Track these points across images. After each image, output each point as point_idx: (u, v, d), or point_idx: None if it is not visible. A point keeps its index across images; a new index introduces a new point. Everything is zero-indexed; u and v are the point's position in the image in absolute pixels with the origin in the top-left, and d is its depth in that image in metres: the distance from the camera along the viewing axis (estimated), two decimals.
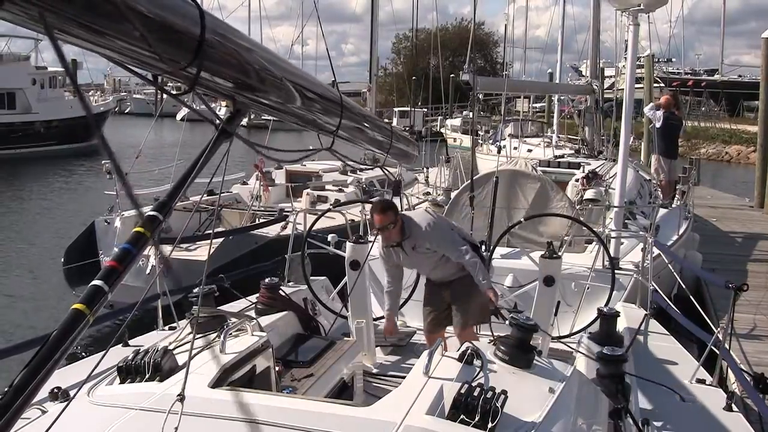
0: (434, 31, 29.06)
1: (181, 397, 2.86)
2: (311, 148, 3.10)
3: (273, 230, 11.26)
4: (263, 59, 2.15)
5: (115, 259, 1.70)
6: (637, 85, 9.38)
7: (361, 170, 17.64)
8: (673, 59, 61.33)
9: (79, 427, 2.97)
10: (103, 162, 11.70)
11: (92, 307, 1.59)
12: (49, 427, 1.37)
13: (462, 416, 2.86)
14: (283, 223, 11.46)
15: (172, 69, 1.72)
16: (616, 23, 21.32)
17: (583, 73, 21.38)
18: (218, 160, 2.21)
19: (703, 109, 52.37)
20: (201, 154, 2.05)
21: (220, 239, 10.93)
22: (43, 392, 3.48)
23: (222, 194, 14.32)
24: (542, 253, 5.79)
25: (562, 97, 21.35)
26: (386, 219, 5.15)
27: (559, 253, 5.87)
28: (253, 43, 2.16)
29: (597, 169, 12.25)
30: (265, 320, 4.91)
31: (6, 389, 1.43)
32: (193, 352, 3.71)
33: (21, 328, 10.70)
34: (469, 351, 3.30)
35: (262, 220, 12.48)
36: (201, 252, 10.86)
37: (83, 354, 7.37)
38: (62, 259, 11.40)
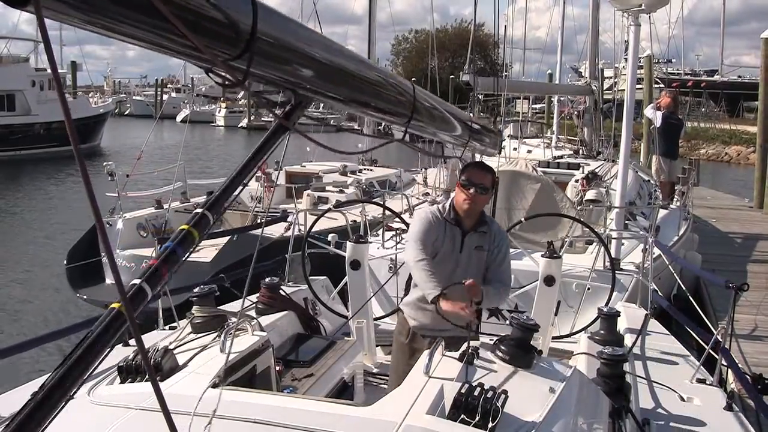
0: (432, 32, 29.05)
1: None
2: (384, 140, 2.97)
3: (277, 231, 11.27)
4: (323, 50, 2.06)
5: (160, 260, 1.62)
6: (636, 86, 9.33)
7: (361, 171, 17.68)
8: (673, 60, 61.42)
9: (80, 427, 2.97)
10: (104, 164, 11.72)
11: (133, 308, 1.52)
12: (47, 426, 1.35)
13: (462, 416, 2.86)
14: (286, 224, 11.47)
15: (220, 62, 1.64)
16: (615, 24, 21.31)
17: (583, 74, 21.34)
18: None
19: (703, 109, 52.42)
20: (257, 150, 1.92)
21: (224, 241, 10.96)
22: None
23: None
24: (542, 253, 5.80)
25: (561, 98, 21.34)
26: (485, 179, 4.05)
27: (560, 254, 5.87)
28: (311, 33, 2.04)
29: (596, 170, 12.25)
30: (265, 320, 4.91)
31: (40, 387, 1.39)
32: (194, 351, 3.72)
33: (25, 329, 10.70)
34: (469, 351, 3.30)
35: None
36: (204, 253, 10.88)
37: None
38: (65, 261, 11.42)
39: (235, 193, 1.85)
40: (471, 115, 3.56)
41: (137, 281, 1.55)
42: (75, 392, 1.45)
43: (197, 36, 1.49)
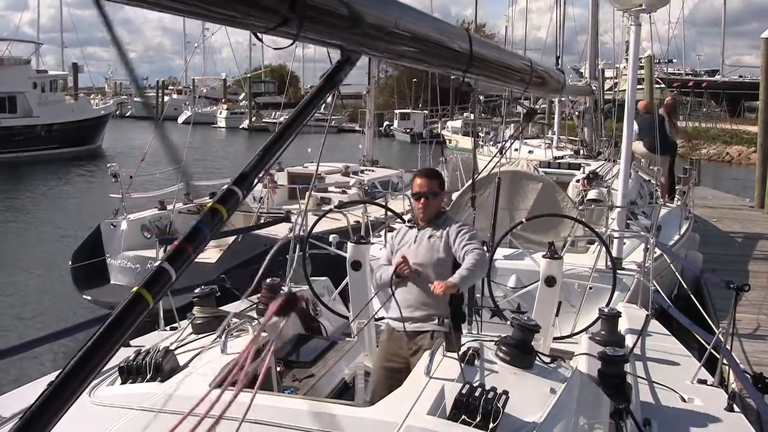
0: None
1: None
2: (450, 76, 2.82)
3: (282, 232, 11.28)
4: (371, 2, 1.99)
5: (186, 240, 1.53)
6: (637, 87, 9.38)
7: (363, 171, 17.68)
8: (674, 60, 61.38)
9: (80, 427, 2.97)
10: (108, 165, 11.73)
11: (154, 291, 1.44)
12: (48, 427, 1.33)
13: (463, 417, 2.86)
14: (290, 225, 11.50)
15: (271, 24, 1.60)
16: (615, 24, 21.37)
17: (584, 75, 21.32)
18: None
19: (704, 109, 52.38)
20: (299, 112, 1.81)
21: (229, 241, 10.98)
22: None
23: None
24: (543, 253, 5.80)
25: (562, 99, 21.35)
26: (429, 186, 4.46)
27: (561, 254, 5.87)
28: None
29: (597, 170, 12.24)
30: None
31: (59, 372, 1.35)
32: (195, 352, 3.72)
33: (30, 329, 10.70)
34: (470, 351, 3.30)
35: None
36: (208, 254, 10.90)
37: None
38: (69, 262, 11.44)
39: (271, 162, 1.75)
40: (530, 58, 3.54)
41: (164, 264, 1.48)
42: (91, 381, 1.40)
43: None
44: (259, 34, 1.71)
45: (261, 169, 1.71)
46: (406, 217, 5.62)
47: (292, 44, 1.72)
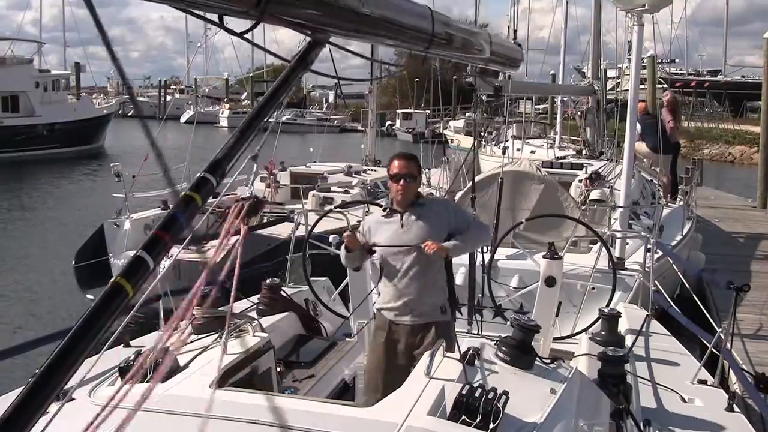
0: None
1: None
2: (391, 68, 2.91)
3: (285, 231, 11.29)
4: None
5: (162, 228, 1.52)
6: (639, 87, 9.40)
7: (365, 171, 17.70)
8: (677, 60, 61.29)
9: (80, 428, 2.97)
10: (111, 165, 11.75)
11: (134, 281, 1.43)
12: (35, 417, 1.31)
13: (463, 417, 2.86)
14: (294, 224, 11.53)
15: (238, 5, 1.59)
16: (617, 24, 21.34)
17: (586, 75, 21.31)
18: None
19: (707, 110, 52.33)
20: (272, 94, 1.80)
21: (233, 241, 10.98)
22: None
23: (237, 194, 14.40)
24: (543, 254, 5.80)
25: (564, 99, 21.34)
26: (408, 167, 4.39)
27: (561, 254, 5.87)
28: None
29: (600, 170, 12.24)
30: (266, 321, 4.92)
31: (39, 368, 1.33)
32: (195, 352, 3.72)
33: (34, 329, 10.72)
34: (470, 352, 3.30)
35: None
36: (211, 253, 10.87)
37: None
38: (73, 262, 11.46)
39: (239, 149, 1.72)
40: (489, 34, 3.58)
41: (141, 253, 1.47)
42: (73, 374, 1.38)
43: None
44: (222, 17, 1.70)
45: (233, 155, 1.70)
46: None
47: (255, 26, 1.71)
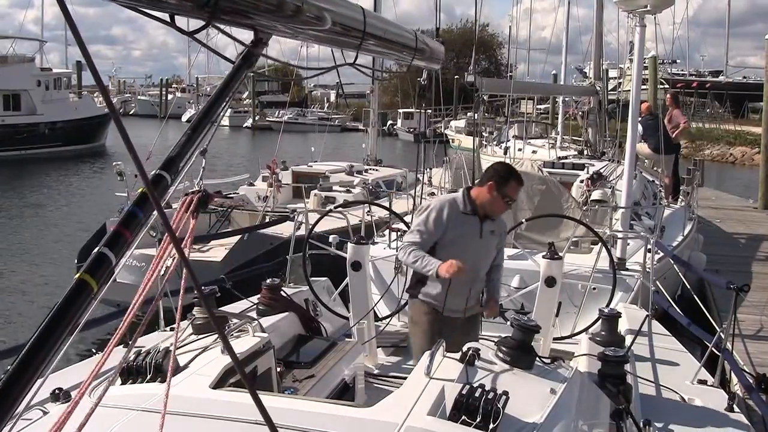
0: (437, 28, 29.00)
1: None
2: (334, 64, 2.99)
3: (287, 231, 11.30)
4: None
5: (122, 225, 1.57)
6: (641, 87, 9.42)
7: (367, 171, 17.70)
8: (678, 60, 61.17)
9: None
10: (114, 164, 11.77)
11: (97, 277, 1.46)
12: (8, 414, 1.31)
13: (463, 417, 2.86)
14: (294, 224, 11.55)
15: (187, 6, 1.65)
16: (619, 24, 21.29)
17: (588, 75, 21.31)
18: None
19: (708, 110, 52.28)
20: (221, 90, 1.90)
21: (234, 240, 11.00)
22: (45, 392, 3.47)
23: (229, 194, 14.47)
24: (543, 254, 5.80)
25: (566, 99, 21.33)
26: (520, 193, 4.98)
27: (561, 254, 5.87)
28: None
29: (601, 170, 12.24)
30: (266, 321, 4.91)
31: (12, 362, 1.35)
32: (195, 353, 3.72)
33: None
34: (470, 352, 3.30)
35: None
36: (213, 253, 10.89)
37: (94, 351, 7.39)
38: (76, 260, 11.46)
39: (193, 148, 1.79)
40: (414, 31, 3.73)
41: (103, 249, 1.51)
42: (43, 370, 1.40)
43: None
44: (173, 16, 1.75)
45: (186, 153, 1.75)
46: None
47: (205, 26, 1.76)
